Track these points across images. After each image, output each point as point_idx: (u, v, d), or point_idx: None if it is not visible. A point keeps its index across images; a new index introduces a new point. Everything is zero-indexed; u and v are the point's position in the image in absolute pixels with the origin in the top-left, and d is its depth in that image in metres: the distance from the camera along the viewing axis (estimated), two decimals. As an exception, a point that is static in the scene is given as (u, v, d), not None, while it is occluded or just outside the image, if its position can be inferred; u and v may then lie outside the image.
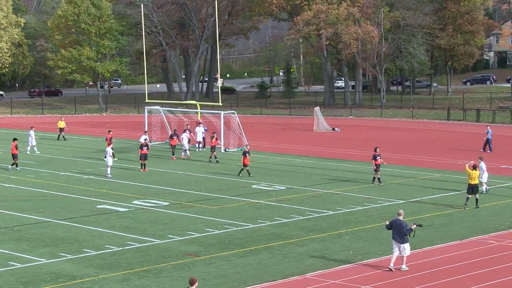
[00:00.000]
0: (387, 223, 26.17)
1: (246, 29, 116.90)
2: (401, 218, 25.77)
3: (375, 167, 42.06)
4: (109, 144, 48.32)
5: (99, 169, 47.41)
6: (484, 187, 39.48)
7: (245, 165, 45.12)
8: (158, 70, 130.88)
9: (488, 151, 56.16)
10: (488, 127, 58.31)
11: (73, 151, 57.42)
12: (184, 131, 54.85)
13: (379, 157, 42.15)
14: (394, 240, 25.63)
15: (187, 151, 53.74)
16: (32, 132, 55.84)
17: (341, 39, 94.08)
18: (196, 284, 19.44)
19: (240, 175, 44.87)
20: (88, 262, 26.59)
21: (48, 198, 38.64)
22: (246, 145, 48.32)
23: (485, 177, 39.50)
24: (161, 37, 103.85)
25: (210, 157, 51.85)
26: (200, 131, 57.41)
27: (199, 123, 58.50)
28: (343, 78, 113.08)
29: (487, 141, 57.02)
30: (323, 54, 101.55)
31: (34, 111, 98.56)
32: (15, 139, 48.60)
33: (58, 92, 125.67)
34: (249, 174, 44.92)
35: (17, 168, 47.68)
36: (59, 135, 64.93)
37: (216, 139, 52.86)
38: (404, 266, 25.60)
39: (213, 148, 52.01)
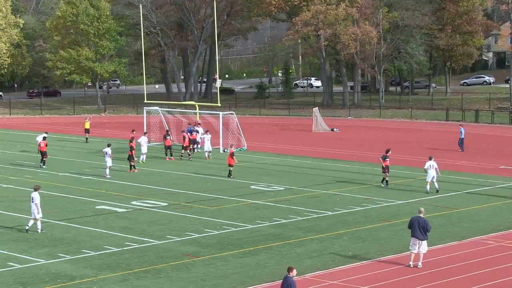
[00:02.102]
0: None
1: (245, 29, 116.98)
2: (422, 215, 26.00)
3: (383, 169, 41.90)
4: (131, 142, 49.48)
5: (97, 170, 47.39)
6: (436, 185, 39.98)
7: (229, 165, 45.05)
8: (157, 71, 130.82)
9: (460, 150, 57.22)
10: (461, 127, 59.02)
11: (71, 152, 57.41)
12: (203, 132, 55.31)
13: (388, 159, 41.92)
14: (415, 237, 25.84)
15: (210, 153, 53.57)
16: (45, 135, 56.77)
17: (340, 40, 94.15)
18: (294, 271, 19.80)
19: (231, 176, 44.74)
20: (86, 262, 26.58)
21: (47, 198, 38.53)
22: (231, 145, 48.23)
23: (429, 177, 39.84)
24: (160, 37, 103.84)
25: (182, 155, 52.91)
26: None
27: (197, 123, 58.52)
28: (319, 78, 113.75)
29: (461, 140, 58.04)
30: (321, 54, 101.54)
31: (33, 111, 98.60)
32: (45, 138, 50.64)
33: (56, 92, 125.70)
34: (230, 174, 44.85)
35: (43, 165, 49.08)
36: (86, 138, 63.88)
37: (186, 138, 53.79)
38: (420, 264, 25.89)
39: (186, 148, 53.10)
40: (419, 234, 25.80)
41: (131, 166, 47.37)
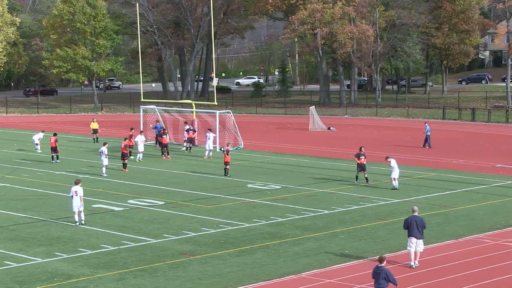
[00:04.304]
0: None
1: (242, 28, 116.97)
2: (417, 214, 26.13)
3: (358, 166, 42.26)
4: (129, 141, 49.60)
5: (94, 169, 47.35)
6: (395, 183, 40.38)
7: (226, 164, 45.05)
8: (153, 69, 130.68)
9: (427, 147, 57.95)
10: (427, 124, 59.72)
11: (68, 151, 57.33)
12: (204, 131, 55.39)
13: (363, 157, 42.15)
14: (413, 236, 25.83)
15: (210, 151, 53.52)
16: (41, 134, 57.62)
17: (336, 38, 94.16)
18: (385, 262, 20.97)
19: (228, 175, 44.73)
20: (83, 261, 26.55)
21: (43, 197, 38.60)
22: (227, 144, 48.14)
23: (396, 174, 40.40)
24: (157, 36, 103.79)
25: (164, 153, 52.87)
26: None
27: (192, 122, 58.52)
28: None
29: (426, 138, 58.54)
30: (318, 53, 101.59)
31: (29, 110, 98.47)
32: (55, 134, 52.45)
33: (53, 91, 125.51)
34: (226, 173, 44.88)
35: (57, 161, 50.81)
36: (94, 138, 62.69)
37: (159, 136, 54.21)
38: (417, 262, 25.95)
39: (162, 145, 53.32)
40: (417, 233, 25.79)
41: (125, 164, 47.19)
